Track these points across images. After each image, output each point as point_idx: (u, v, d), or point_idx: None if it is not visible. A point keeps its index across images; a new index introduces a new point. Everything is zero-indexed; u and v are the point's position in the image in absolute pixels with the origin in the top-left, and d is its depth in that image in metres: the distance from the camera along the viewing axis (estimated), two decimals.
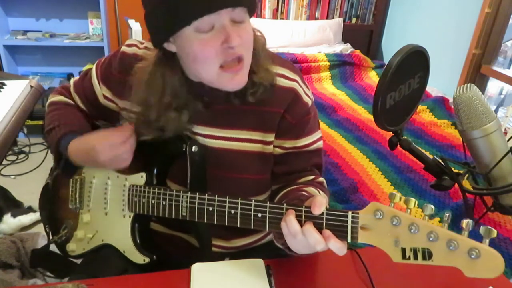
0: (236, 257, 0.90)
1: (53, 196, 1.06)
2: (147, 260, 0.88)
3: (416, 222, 0.60)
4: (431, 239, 0.58)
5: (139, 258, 0.89)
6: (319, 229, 0.66)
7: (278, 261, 0.85)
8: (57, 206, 1.04)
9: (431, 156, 1.28)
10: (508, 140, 1.26)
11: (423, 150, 1.27)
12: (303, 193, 0.83)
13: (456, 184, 1.26)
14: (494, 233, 0.56)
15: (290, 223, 0.67)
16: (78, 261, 1.02)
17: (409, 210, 0.61)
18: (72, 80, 1.07)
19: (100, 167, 0.90)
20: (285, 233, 0.69)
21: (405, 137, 1.23)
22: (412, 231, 0.60)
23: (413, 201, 0.61)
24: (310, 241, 0.66)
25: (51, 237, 1.05)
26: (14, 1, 2.95)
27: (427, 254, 0.59)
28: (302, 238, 0.67)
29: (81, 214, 0.98)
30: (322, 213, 0.67)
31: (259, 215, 0.73)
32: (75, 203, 0.99)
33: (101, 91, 0.98)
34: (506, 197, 1.25)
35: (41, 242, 1.83)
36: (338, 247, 0.65)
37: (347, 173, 1.89)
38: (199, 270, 0.82)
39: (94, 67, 1.00)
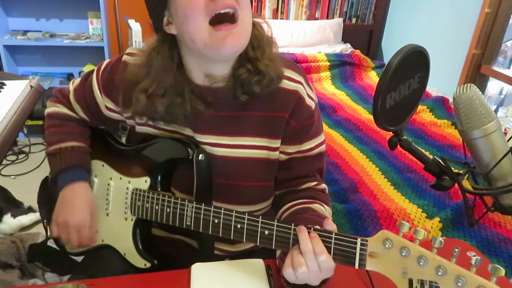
0: (236, 258, 0.89)
1: (52, 192, 1.04)
2: (148, 265, 0.88)
3: (425, 255, 0.59)
4: (439, 273, 0.58)
5: (140, 262, 0.88)
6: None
7: None
8: (56, 201, 1.03)
9: (431, 156, 1.28)
10: (508, 140, 1.26)
11: (423, 150, 1.27)
12: (315, 218, 0.81)
13: (456, 184, 1.26)
14: (502, 272, 0.55)
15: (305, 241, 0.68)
16: (78, 258, 1.02)
17: (417, 241, 0.61)
18: (71, 86, 1.02)
19: (58, 217, 0.93)
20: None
21: (405, 137, 1.23)
22: (420, 263, 0.60)
23: (422, 232, 0.60)
24: (316, 249, 0.67)
25: (49, 233, 1.03)
26: (14, 1, 2.94)
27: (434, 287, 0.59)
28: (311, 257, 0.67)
29: None
30: (331, 237, 0.67)
31: (266, 232, 0.73)
32: None
33: (103, 102, 0.95)
34: (506, 197, 1.26)
35: None
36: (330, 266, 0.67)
37: (347, 173, 1.89)
38: (199, 270, 0.82)
39: (94, 75, 0.96)
